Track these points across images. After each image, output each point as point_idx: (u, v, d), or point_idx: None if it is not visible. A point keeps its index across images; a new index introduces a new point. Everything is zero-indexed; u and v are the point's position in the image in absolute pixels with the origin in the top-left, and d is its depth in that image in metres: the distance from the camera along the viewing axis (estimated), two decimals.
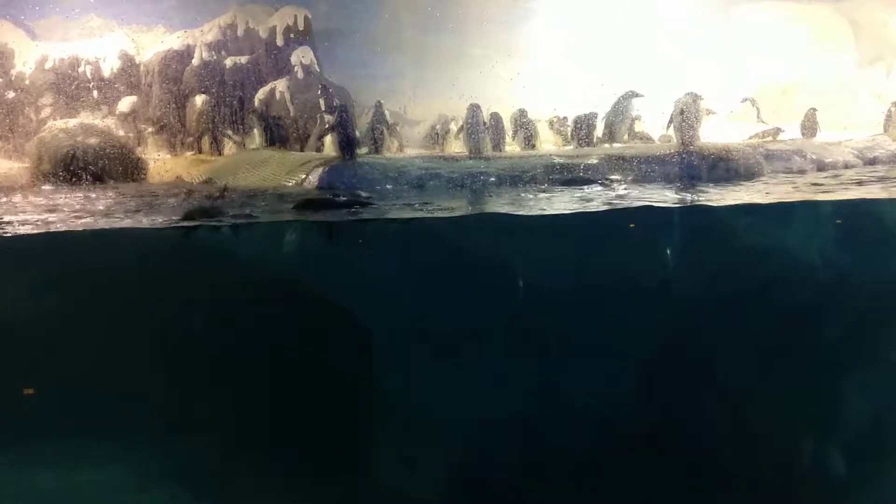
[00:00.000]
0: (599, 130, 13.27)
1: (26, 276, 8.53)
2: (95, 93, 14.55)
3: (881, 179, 10.32)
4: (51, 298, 8.80)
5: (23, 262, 8.31)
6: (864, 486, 8.08)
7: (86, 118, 13.70)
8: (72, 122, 12.88)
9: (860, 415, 8.54)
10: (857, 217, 9.15)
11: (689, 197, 9.31)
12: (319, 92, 14.04)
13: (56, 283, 8.61)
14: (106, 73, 14.68)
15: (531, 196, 9.39)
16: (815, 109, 13.64)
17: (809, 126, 13.55)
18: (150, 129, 14.59)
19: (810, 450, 8.38)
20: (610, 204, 8.72)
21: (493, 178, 10.05)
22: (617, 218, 8.52)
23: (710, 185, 10.01)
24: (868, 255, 9.18)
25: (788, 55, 16.34)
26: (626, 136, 13.24)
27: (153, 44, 15.31)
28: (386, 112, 13.18)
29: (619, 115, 13.09)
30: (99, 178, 11.60)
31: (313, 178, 10.36)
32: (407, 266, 8.66)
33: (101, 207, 9.16)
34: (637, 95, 12.99)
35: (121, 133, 13.57)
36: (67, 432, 8.11)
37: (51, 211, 8.87)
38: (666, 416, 8.13)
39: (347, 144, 11.00)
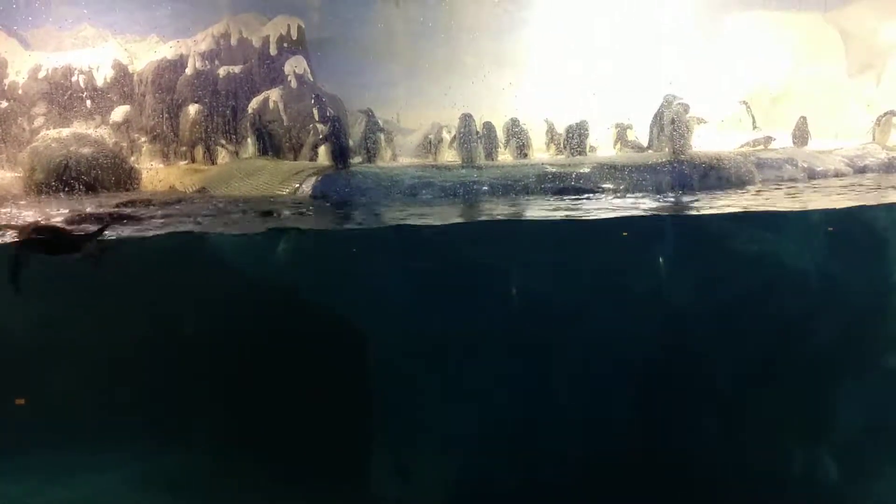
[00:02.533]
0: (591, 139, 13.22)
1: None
2: (88, 102, 14.53)
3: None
4: (40, 307, 8.80)
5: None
6: (854, 490, 8.12)
7: (79, 128, 13.68)
8: (65, 132, 12.86)
9: (852, 420, 8.58)
10: (848, 224, 9.21)
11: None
12: (313, 101, 14.04)
13: (45, 292, 8.60)
14: (99, 82, 14.67)
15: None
16: (804, 117, 13.69)
17: (800, 134, 13.60)
18: (143, 139, 14.57)
19: (802, 454, 8.41)
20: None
21: (485, 187, 10.08)
22: (610, 225, 8.55)
23: (702, 193, 10.05)
24: (859, 261, 9.23)
25: (779, 64, 16.42)
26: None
27: (146, 53, 15.30)
28: (379, 120, 13.15)
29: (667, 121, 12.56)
30: (92, 188, 11.58)
31: (307, 188, 10.37)
32: (403, 272, 8.68)
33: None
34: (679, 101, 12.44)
35: (114, 143, 13.55)
36: (62, 441, 8.10)
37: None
38: (660, 421, 8.16)
39: (341, 154, 11.02)
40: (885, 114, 13.84)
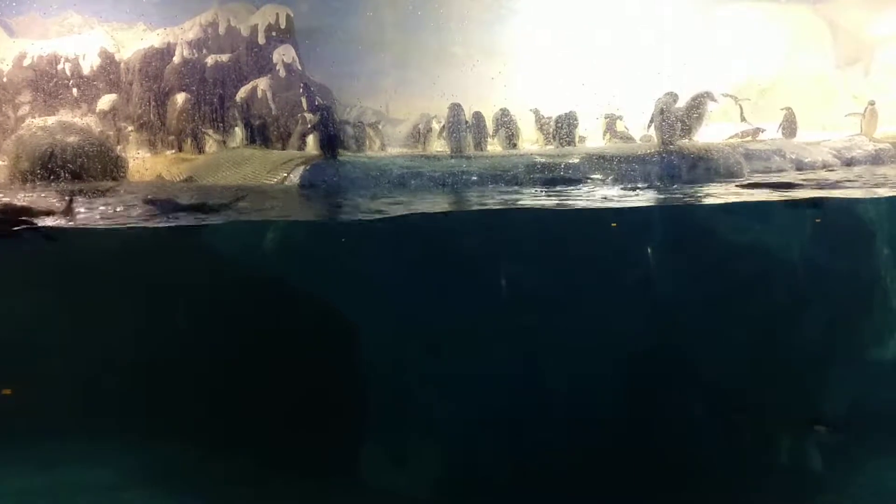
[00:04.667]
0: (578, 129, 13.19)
1: (6, 275, 8.46)
2: (75, 90, 14.41)
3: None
4: (32, 298, 8.73)
5: (4, 261, 8.24)
6: (841, 478, 8.18)
7: (65, 116, 13.56)
8: (50, 120, 12.75)
9: (837, 409, 8.64)
10: (835, 216, 9.25)
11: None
12: (301, 90, 13.98)
13: (32, 283, 8.54)
14: (85, 70, 14.54)
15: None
16: (791, 109, 13.71)
17: (789, 126, 13.63)
18: (130, 128, 14.47)
19: (788, 443, 8.46)
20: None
21: (474, 177, 10.06)
22: (599, 216, 8.56)
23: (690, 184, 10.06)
24: (845, 252, 9.28)
25: (768, 56, 16.46)
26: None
27: (133, 41, 15.18)
28: (335, 117, 12.02)
29: (694, 114, 12.24)
30: (78, 177, 11.50)
31: (295, 177, 10.32)
32: (393, 263, 8.67)
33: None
34: (713, 99, 12.29)
35: (100, 131, 13.45)
36: (51, 433, 8.06)
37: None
38: (650, 411, 8.18)
39: (329, 143, 10.96)
40: (868, 105, 13.90)
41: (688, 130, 11.94)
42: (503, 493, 7.74)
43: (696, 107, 11.94)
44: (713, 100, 12.22)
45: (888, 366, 9.25)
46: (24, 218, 7.45)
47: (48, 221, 7.66)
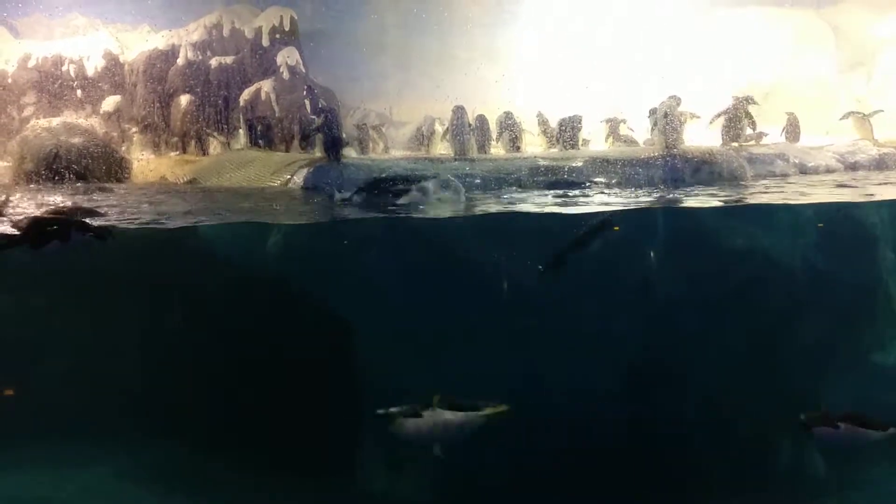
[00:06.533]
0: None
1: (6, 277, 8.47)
2: (79, 92, 14.46)
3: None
4: (32, 299, 8.75)
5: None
6: (839, 482, 8.17)
7: (69, 117, 13.61)
8: (55, 121, 12.82)
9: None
10: (838, 220, 9.26)
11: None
12: (305, 93, 14.01)
13: (32, 283, 8.56)
14: (90, 71, 14.59)
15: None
16: (794, 114, 13.71)
17: (792, 130, 13.63)
18: (134, 129, 14.51)
19: (789, 447, 8.45)
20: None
21: (477, 180, 10.06)
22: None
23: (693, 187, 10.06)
24: (848, 257, 9.28)
25: (771, 59, 16.45)
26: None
27: (138, 43, 15.23)
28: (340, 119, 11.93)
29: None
30: (82, 177, 11.54)
31: (298, 179, 10.34)
32: (393, 265, 8.68)
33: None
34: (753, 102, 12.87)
35: (104, 132, 13.50)
36: (50, 435, 8.07)
37: None
38: (650, 414, 8.18)
39: (333, 145, 10.97)
40: (850, 114, 14.06)
41: (737, 135, 12.54)
42: (502, 495, 7.75)
43: (742, 109, 12.49)
44: (754, 103, 12.74)
45: (889, 369, 9.25)
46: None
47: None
